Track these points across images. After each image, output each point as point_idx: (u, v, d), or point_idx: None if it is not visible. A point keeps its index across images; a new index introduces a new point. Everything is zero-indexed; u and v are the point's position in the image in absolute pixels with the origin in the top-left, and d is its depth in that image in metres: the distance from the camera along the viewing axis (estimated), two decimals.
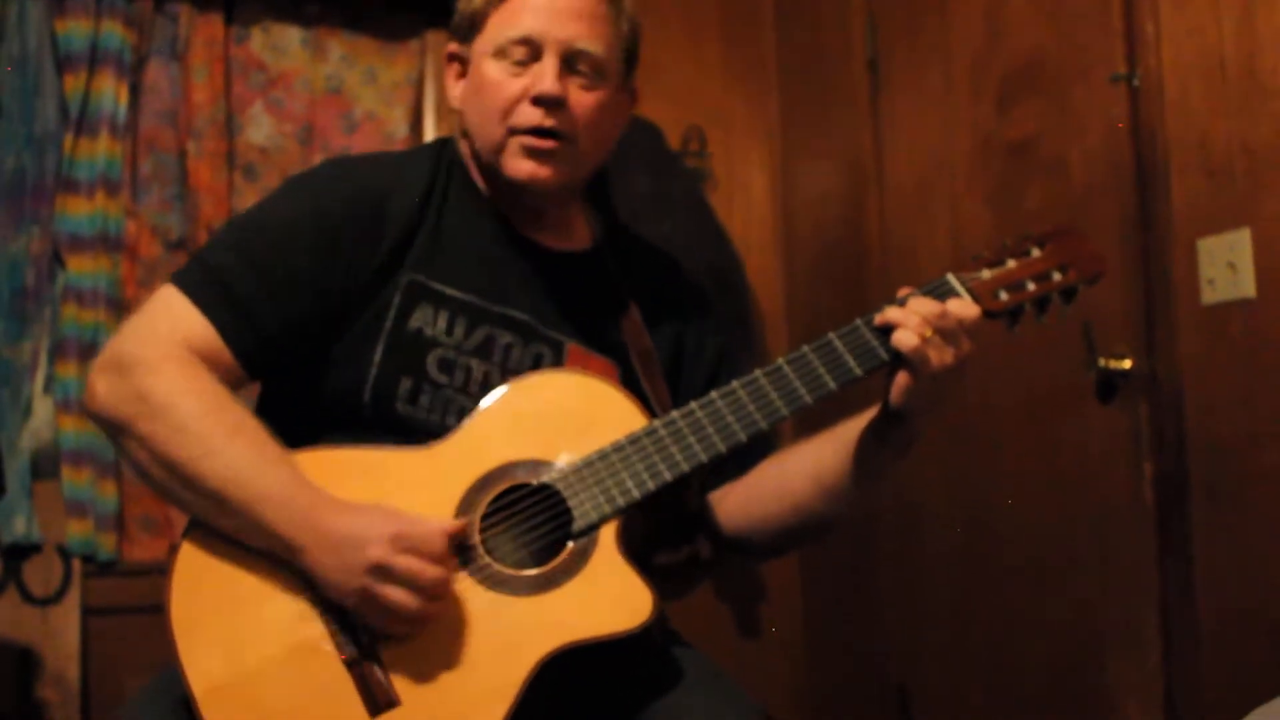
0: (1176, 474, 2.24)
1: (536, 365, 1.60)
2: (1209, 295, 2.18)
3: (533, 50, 1.57)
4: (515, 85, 1.57)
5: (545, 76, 1.56)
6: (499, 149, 1.59)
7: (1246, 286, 2.11)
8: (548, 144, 1.57)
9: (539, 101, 1.56)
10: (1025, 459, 2.58)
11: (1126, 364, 2.32)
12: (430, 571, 1.37)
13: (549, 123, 1.56)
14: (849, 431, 1.56)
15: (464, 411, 1.54)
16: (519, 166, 1.58)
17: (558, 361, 1.61)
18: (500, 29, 1.59)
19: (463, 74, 1.66)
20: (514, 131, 1.57)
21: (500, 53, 1.58)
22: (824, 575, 3.19)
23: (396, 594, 1.37)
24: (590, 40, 1.59)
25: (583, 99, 1.58)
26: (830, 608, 3.23)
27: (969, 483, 2.73)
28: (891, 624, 2.96)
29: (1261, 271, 2.09)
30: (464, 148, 1.69)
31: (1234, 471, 2.14)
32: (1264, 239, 2.09)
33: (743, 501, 1.66)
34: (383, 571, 1.36)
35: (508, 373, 1.58)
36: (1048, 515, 2.52)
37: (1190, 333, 2.22)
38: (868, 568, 3.01)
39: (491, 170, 1.62)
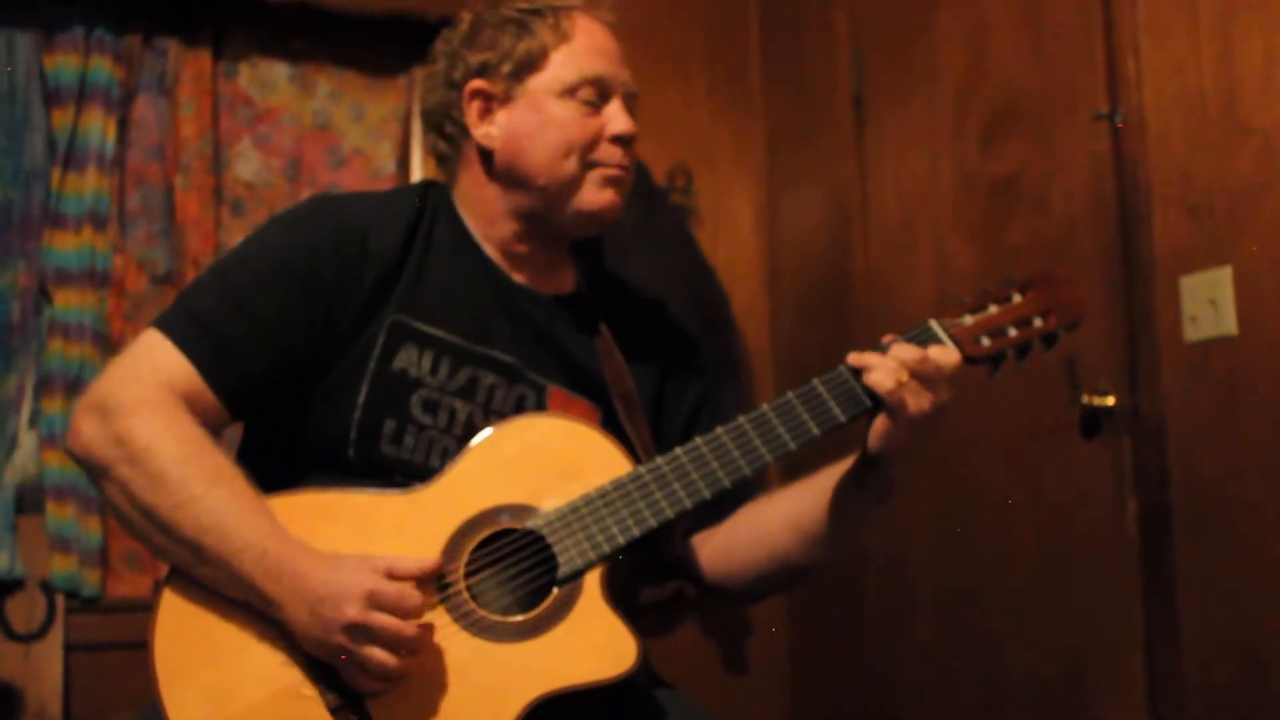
0: (1160, 509, 2.24)
1: (520, 407, 1.60)
2: (1191, 332, 2.19)
3: (601, 92, 1.63)
4: (592, 124, 1.62)
5: (623, 117, 1.63)
6: (574, 182, 1.62)
7: (1228, 324, 2.12)
8: (622, 174, 1.64)
9: (620, 140, 1.62)
10: (1010, 495, 2.58)
11: (1110, 400, 2.32)
12: (407, 630, 1.36)
13: (625, 160, 1.64)
14: (828, 478, 1.57)
15: (448, 453, 1.55)
16: (601, 197, 1.63)
17: (540, 403, 1.62)
18: (568, 69, 1.62)
19: (489, 111, 1.65)
20: (593, 165, 1.62)
21: (569, 93, 1.62)
22: (811, 610, 3.19)
23: (373, 652, 1.36)
24: (635, 84, 1.67)
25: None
26: (817, 642, 3.23)
27: (954, 518, 2.74)
28: (878, 659, 2.96)
29: (1243, 309, 2.11)
30: (468, 191, 1.68)
31: (1217, 506, 2.15)
32: (1245, 276, 2.11)
33: (722, 547, 1.67)
34: (359, 630, 1.36)
35: (491, 414, 1.59)
36: (1032, 551, 2.52)
37: (1173, 370, 2.23)
38: (854, 602, 3.01)
39: (554, 205, 1.63)
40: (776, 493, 1.65)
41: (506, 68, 1.63)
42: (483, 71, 1.65)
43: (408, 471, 1.53)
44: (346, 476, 1.52)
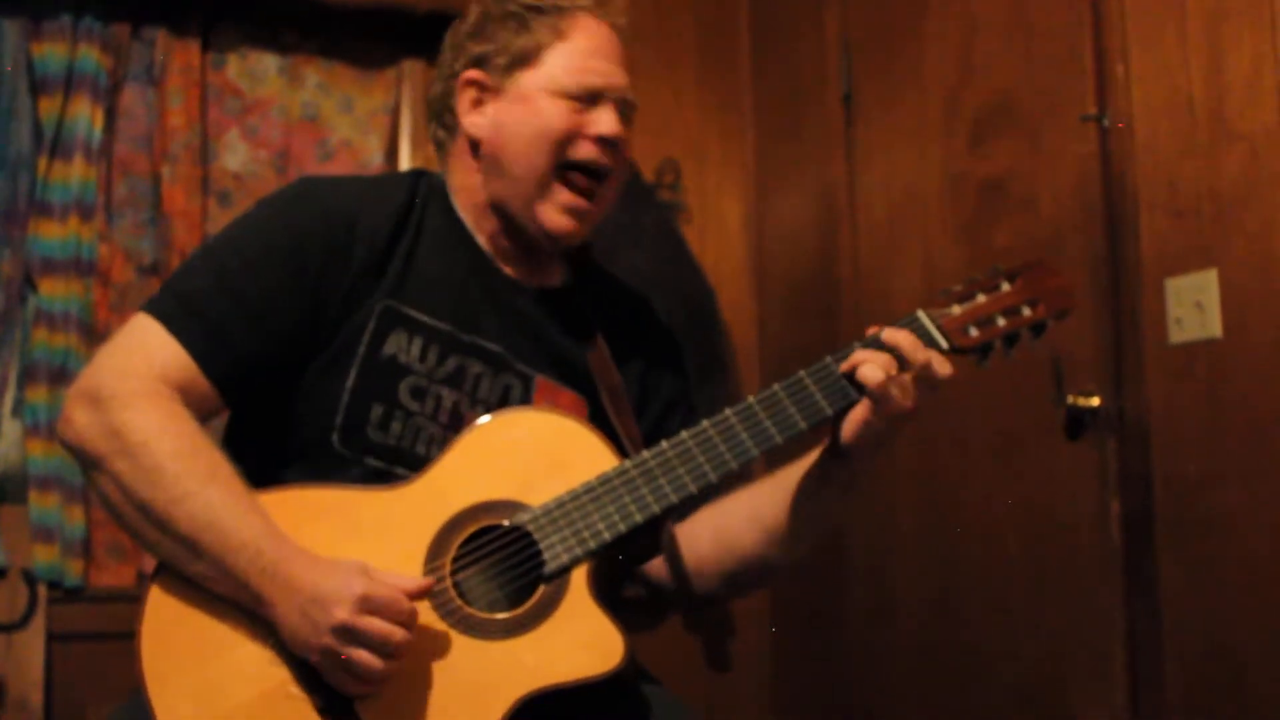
0: (1143, 511, 2.25)
1: (505, 397, 1.60)
2: (1176, 335, 2.20)
3: (592, 96, 1.62)
4: (575, 120, 1.61)
5: (609, 118, 1.62)
6: (543, 183, 1.61)
7: (1213, 326, 2.13)
8: (585, 205, 1.62)
9: (602, 141, 1.61)
10: (993, 495, 2.59)
11: (1094, 402, 2.33)
12: (396, 634, 1.36)
13: (604, 161, 1.62)
14: (791, 474, 1.55)
15: (434, 440, 1.55)
16: (559, 220, 1.62)
17: (526, 394, 1.61)
18: (560, 70, 1.62)
19: (480, 102, 1.66)
20: (565, 166, 1.61)
21: (560, 92, 1.61)
22: (793, 609, 3.20)
23: (360, 655, 1.35)
24: (632, 91, 1.67)
25: (624, 146, 1.65)
26: (799, 641, 3.23)
27: (937, 519, 2.74)
28: (860, 658, 2.96)
29: (1228, 312, 2.12)
30: (458, 180, 1.68)
31: (1200, 509, 2.16)
32: (1230, 280, 2.11)
33: (683, 545, 1.62)
34: (348, 633, 1.35)
35: (477, 403, 1.59)
36: (1015, 552, 2.53)
37: (1158, 371, 2.23)
38: (837, 602, 3.02)
39: (520, 205, 1.63)
40: (738, 490, 1.63)
41: (501, 60, 1.64)
42: (479, 63, 1.66)
43: (393, 458, 1.53)
44: (331, 463, 1.52)
